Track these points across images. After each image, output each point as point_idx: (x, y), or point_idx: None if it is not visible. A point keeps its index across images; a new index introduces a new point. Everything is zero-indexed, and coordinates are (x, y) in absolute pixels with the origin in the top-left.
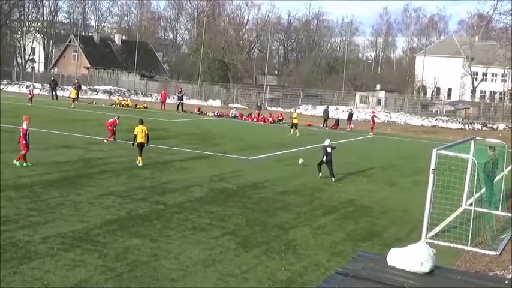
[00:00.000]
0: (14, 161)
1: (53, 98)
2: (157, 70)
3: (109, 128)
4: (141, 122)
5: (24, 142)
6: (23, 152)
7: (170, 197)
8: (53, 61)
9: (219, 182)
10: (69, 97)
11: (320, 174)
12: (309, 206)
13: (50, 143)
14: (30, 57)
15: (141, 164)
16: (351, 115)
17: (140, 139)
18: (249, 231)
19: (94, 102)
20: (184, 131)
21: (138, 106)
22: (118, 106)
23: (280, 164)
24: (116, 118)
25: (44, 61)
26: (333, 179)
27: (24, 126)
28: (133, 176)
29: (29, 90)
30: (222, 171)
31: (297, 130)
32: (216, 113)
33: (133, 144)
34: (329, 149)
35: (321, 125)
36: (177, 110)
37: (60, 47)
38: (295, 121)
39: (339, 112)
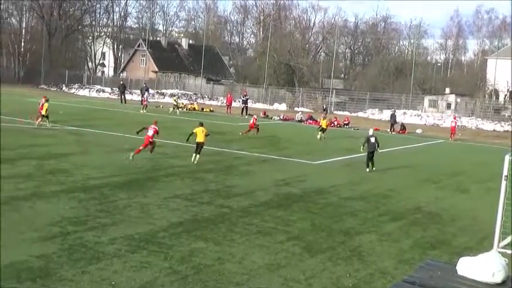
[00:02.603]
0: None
1: (121, 102)
2: (223, 74)
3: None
4: (201, 125)
5: (151, 140)
6: (142, 147)
7: (235, 201)
8: (122, 65)
9: (283, 186)
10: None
11: (367, 169)
12: (376, 212)
13: (117, 146)
14: (101, 62)
15: (195, 162)
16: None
17: (200, 138)
18: (314, 236)
19: (161, 106)
20: (249, 135)
21: (204, 110)
22: (184, 110)
23: (346, 169)
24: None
25: (114, 65)
26: (373, 168)
27: (156, 127)
28: (198, 179)
29: (144, 97)
30: (287, 176)
31: (323, 134)
32: (281, 117)
33: (186, 140)
34: (372, 139)
35: (388, 130)
36: (242, 113)
37: (129, 51)
38: (324, 126)
39: (406, 116)
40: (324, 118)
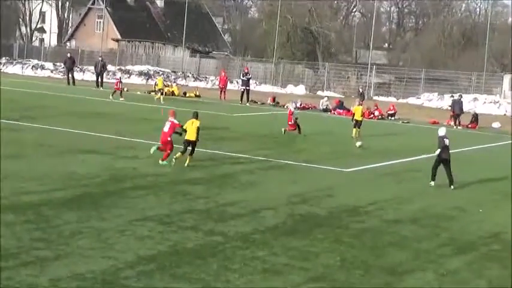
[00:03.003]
0: (161, 161)
1: (68, 83)
2: (214, 43)
3: None
4: (196, 116)
5: (169, 139)
6: (168, 150)
7: (232, 226)
8: (69, 31)
9: (301, 204)
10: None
11: (432, 182)
12: (434, 242)
13: (65, 146)
14: (39, 26)
15: (185, 165)
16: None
17: (190, 135)
18: (346, 276)
19: (126, 89)
20: (251, 130)
21: (187, 94)
22: (159, 94)
23: (390, 180)
24: None
25: (58, 31)
26: (452, 186)
27: (175, 120)
28: (180, 195)
29: (117, 80)
30: (306, 189)
31: (358, 130)
32: (298, 105)
33: (180, 134)
34: (447, 141)
35: (452, 122)
36: (241, 100)
37: (79, 10)
38: (358, 117)
39: (478, 104)
40: (360, 105)
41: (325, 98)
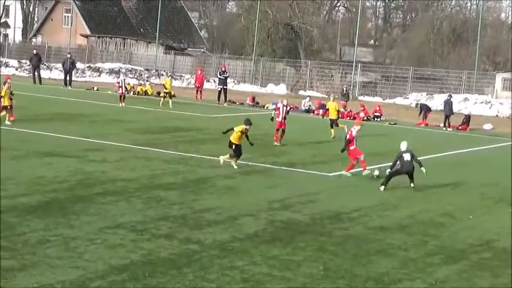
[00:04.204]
0: (345, 172)
1: (35, 81)
2: (190, 40)
3: None
4: (249, 123)
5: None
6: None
7: (208, 233)
8: (35, 26)
9: (282, 210)
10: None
11: (382, 187)
12: (422, 250)
13: (31, 148)
14: (2, 21)
15: (235, 166)
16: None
17: (236, 139)
18: (329, 286)
19: (96, 88)
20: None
21: (161, 94)
22: (132, 93)
23: (376, 185)
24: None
25: (23, 26)
26: (411, 184)
27: (354, 132)
28: (153, 200)
29: (118, 83)
30: (287, 194)
31: (332, 130)
32: (278, 105)
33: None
34: (407, 156)
35: (441, 124)
36: (219, 99)
37: (46, 5)
38: (333, 115)
39: (468, 104)
40: (334, 99)
41: (307, 98)
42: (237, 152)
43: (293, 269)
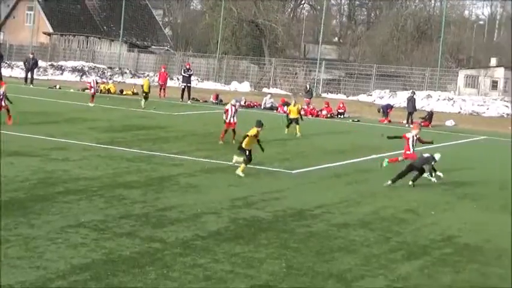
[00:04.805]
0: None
1: None
2: (154, 37)
3: None
4: (260, 125)
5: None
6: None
7: (171, 231)
8: None
9: (245, 208)
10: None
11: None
12: (385, 246)
13: None
14: None
15: (242, 175)
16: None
17: (248, 144)
18: (292, 283)
19: (58, 86)
20: (193, 129)
21: (124, 92)
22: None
23: (339, 181)
24: None
25: None
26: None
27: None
28: (115, 199)
29: (89, 83)
30: (250, 192)
31: (297, 130)
32: (243, 103)
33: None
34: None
35: (405, 121)
36: (182, 97)
37: (7, 2)
38: (293, 114)
39: (431, 101)
40: (295, 104)
41: (269, 96)
42: (249, 157)
43: (256, 266)
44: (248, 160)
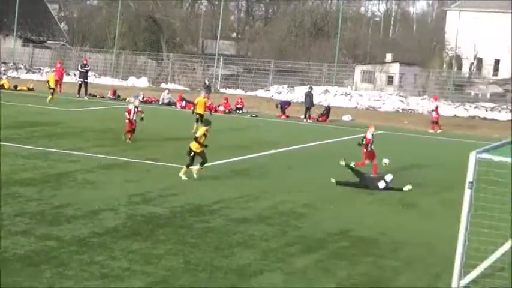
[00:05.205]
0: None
1: None
2: (49, 32)
3: None
4: (208, 124)
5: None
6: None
7: (67, 229)
8: None
9: (143, 204)
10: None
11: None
12: (282, 240)
13: None
14: None
15: (185, 178)
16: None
17: (199, 147)
18: (190, 279)
19: None
20: (90, 125)
21: (18, 88)
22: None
23: (238, 176)
24: None
25: None
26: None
27: (369, 135)
28: (10, 197)
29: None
30: (148, 188)
31: (196, 125)
32: (141, 98)
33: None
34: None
35: (302, 116)
36: (79, 93)
37: None
38: (199, 110)
39: (329, 96)
40: (205, 98)
41: (166, 91)
42: (204, 159)
43: (153, 262)
44: (203, 162)
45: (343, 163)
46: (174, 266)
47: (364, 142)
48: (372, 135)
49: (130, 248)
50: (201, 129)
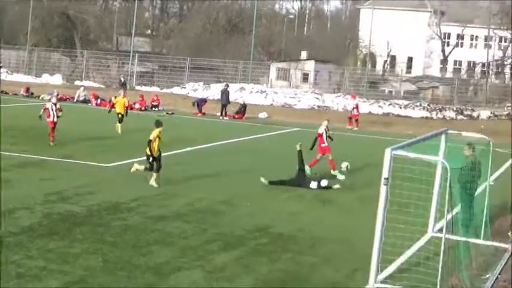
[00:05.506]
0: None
1: None
2: None
3: None
4: (160, 124)
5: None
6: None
7: None
8: None
9: (59, 202)
10: None
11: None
12: (201, 238)
13: None
14: None
15: (156, 185)
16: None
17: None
18: (108, 278)
19: None
20: (3, 124)
21: None
22: None
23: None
24: None
25: None
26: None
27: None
28: None
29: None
30: (64, 186)
31: (119, 125)
32: (55, 95)
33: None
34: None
35: (219, 113)
36: None
37: None
38: (119, 109)
39: (245, 93)
40: (124, 96)
41: (82, 88)
42: (158, 164)
43: (71, 262)
44: (158, 167)
45: (298, 147)
46: (92, 265)
47: (318, 139)
48: (326, 128)
49: (47, 247)
50: (155, 132)
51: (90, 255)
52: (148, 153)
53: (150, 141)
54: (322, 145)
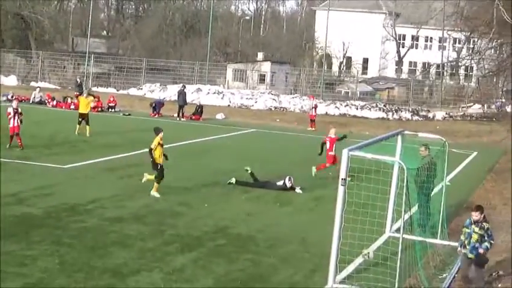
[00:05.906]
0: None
1: None
2: None
3: None
4: (160, 131)
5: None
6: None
7: None
8: None
9: (15, 205)
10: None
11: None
12: (159, 239)
13: None
14: None
15: (157, 195)
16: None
17: (159, 157)
18: (66, 280)
19: None
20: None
21: None
22: None
23: (111, 176)
24: None
25: None
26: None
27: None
28: None
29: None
30: (20, 188)
31: (87, 127)
32: (10, 97)
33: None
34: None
35: (175, 114)
36: None
37: None
38: (82, 110)
39: (201, 94)
40: (87, 97)
41: (37, 89)
42: (162, 173)
43: (28, 264)
44: (161, 177)
45: (249, 169)
46: (50, 267)
47: (328, 146)
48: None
49: (4, 250)
50: (155, 139)
51: (48, 257)
52: (156, 161)
53: (151, 149)
54: (330, 153)
